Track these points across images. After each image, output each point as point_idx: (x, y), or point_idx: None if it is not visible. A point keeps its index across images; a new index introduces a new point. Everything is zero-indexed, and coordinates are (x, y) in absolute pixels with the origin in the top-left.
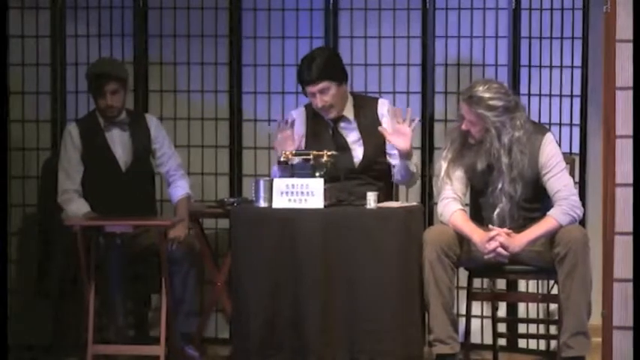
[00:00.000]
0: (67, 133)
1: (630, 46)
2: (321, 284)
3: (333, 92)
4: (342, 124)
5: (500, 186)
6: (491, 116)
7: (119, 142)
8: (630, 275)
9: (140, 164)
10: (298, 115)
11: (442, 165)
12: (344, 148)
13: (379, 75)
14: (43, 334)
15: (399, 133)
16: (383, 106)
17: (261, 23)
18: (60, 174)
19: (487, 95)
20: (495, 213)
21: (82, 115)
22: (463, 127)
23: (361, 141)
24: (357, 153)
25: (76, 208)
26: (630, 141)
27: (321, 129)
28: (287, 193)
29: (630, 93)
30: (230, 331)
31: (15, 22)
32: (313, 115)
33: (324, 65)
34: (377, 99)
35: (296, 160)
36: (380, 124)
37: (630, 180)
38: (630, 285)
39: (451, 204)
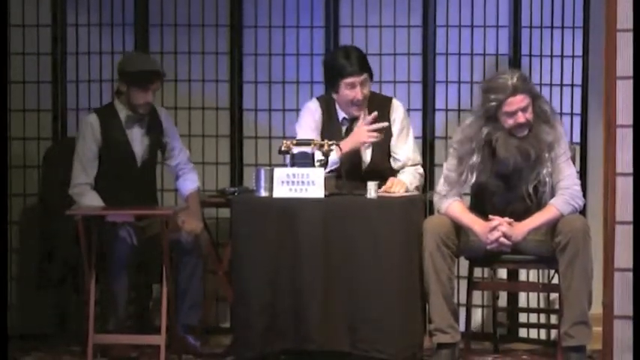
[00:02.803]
0: (87, 124)
1: (631, 35)
2: (321, 273)
3: (368, 87)
4: (356, 124)
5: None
6: (532, 84)
7: (138, 139)
8: (631, 264)
9: (151, 158)
10: (315, 108)
11: (449, 162)
12: (355, 149)
13: (380, 64)
14: (44, 324)
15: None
16: (396, 111)
17: (262, 12)
18: (75, 165)
19: (518, 74)
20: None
21: (82, 104)
22: (520, 120)
23: (370, 144)
24: (366, 156)
25: (90, 201)
26: (631, 130)
27: (333, 126)
28: (288, 182)
29: (631, 82)
30: (231, 320)
31: (16, 11)
32: (327, 110)
33: (363, 58)
34: (391, 99)
35: (296, 149)
36: (390, 130)
37: (631, 169)
38: (631, 274)
39: (447, 195)
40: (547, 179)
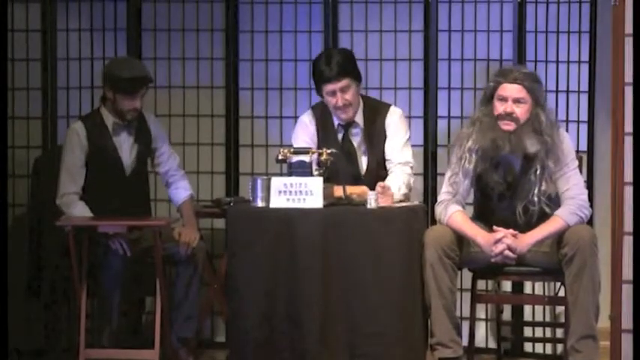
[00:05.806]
0: (73, 132)
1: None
2: (320, 286)
3: (352, 91)
4: (352, 130)
5: (543, 166)
6: (539, 88)
7: (126, 147)
8: None
9: (141, 166)
10: (309, 121)
11: (450, 164)
12: (352, 155)
13: (380, 70)
14: (34, 338)
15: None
16: (392, 116)
17: (258, 17)
18: (63, 175)
19: (527, 70)
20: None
21: (73, 111)
22: (508, 109)
23: (366, 150)
24: (362, 162)
25: (78, 211)
26: None
27: (329, 134)
28: (285, 192)
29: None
30: (226, 334)
31: None
32: (322, 119)
33: (344, 62)
34: (389, 107)
35: (294, 158)
36: (385, 135)
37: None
38: None
39: (449, 206)
40: (536, 199)
